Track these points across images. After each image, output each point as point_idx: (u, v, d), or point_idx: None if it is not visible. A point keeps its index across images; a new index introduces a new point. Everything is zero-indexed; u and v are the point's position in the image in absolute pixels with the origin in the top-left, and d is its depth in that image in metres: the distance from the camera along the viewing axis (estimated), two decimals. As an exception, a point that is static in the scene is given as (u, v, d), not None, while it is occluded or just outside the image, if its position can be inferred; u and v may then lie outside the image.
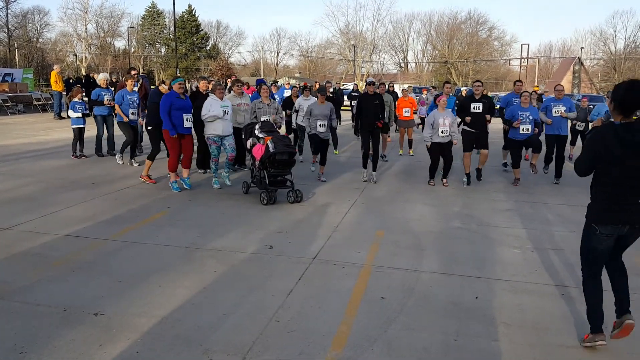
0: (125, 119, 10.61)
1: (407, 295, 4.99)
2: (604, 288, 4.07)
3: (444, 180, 10.22)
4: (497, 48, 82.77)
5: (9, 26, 62.64)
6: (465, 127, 10.32)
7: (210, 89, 9.94)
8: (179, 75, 10.47)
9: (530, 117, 10.14)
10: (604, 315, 4.03)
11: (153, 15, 78.94)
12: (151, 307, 4.55)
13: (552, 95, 11.66)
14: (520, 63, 78.03)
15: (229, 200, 8.48)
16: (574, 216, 8.17)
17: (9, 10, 61.51)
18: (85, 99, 13.35)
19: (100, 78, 12.06)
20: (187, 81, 10.59)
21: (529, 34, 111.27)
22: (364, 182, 10.27)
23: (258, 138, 8.34)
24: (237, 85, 10.43)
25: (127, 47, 71.81)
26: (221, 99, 9.05)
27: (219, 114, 8.88)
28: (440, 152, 10.05)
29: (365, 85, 10.59)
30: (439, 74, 79.95)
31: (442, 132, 9.83)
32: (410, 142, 14.20)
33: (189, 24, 77.18)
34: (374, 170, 10.33)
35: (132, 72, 13.03)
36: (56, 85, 19.23)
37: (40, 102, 22.78)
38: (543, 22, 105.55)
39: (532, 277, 5.57)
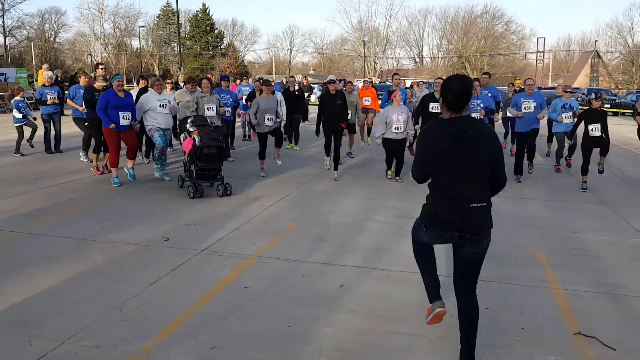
0: (80, 108, 10.74)
1: (273, 285, 5.02)
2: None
3: (398, 179, 10.11)
4: (515, 42, 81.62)
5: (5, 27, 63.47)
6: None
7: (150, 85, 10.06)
8: (119, 73, 10.51)
9: (481, 105, 10.05)
10: (440, 284, 3.68)
11: (168, 14, 79.62)
12: (9, 294, 4.65)
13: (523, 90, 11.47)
14: (537, 57, 76.90)
15: (160, 194, 8.58)
16: (499, 209, 8.09)
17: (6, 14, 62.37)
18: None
19: (44, 77, 12.27)
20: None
21: (547, 27, 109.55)
22: (308, 176, 10.30)
23: (189, 132, 8.43)
24: (191, 84, 10.57)
25: (139, 46, 72.63)
26: (159, 93, 9.17)
27: (155, 108, 9.02)
28: (394, 147, 9.94)
29: (327, 83, 10.53)
30: (454, 69, 79.33)
31: (395, 128, 9.72)
32: (369, 130, 13.97)
33: (203, 23, 77.63)
34: (336, 169, 10.11)
35: (100, 67, 13.22)
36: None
37: (32, 101, 23.11)
38: (562, 15, 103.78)
39: (411, 266, 5.50)
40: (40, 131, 12.31)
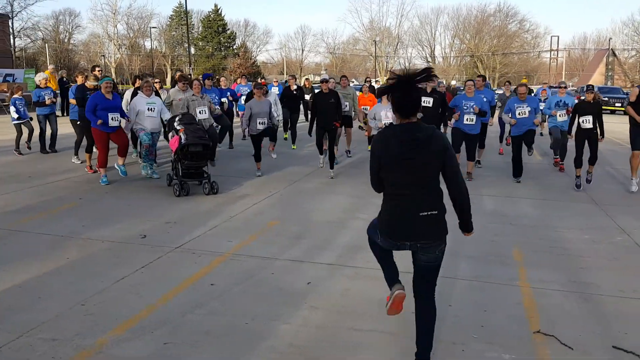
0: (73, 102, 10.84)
1: (240, 282, 5.05)
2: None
3: None
4: (529, 41, 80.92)
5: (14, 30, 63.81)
6: None
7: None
8: (107, 75, 10.64)
9: (474, 106, 9.92)
10: (398, 270, 3.69)
11: (180, 15, 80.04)
12: (-21, 290, 4.73)
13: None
14: (550, 55, 76.21)
15: (147, 192, 8.66)
16: (486, 206, 8.07)
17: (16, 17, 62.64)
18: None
19: (39, 78, 12.41)
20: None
21: (563, 25, 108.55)
22: (300, 174, 10.32)
23: (176, 131, 8.49)
24: (183, 83, 10.66)
25: (151, 47, 73.25)
26: (148, 96, 9.26)
27: (143, 111, 9.12)
28: None
29: (320, 82, 10.52)
30: (467, 69, 78.88)
31: (385, 125, 9.69)
32: (369, 139, 13.87)
33: (215, 24, 78.03)
34: (331, 168, 10.11)
35: (97, 69, 13.37)
36: (49, 84, 19.77)
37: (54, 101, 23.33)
38: (577, 13, 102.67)
39: (382, 265, 5.54)
40: (36, 132, 12.45)
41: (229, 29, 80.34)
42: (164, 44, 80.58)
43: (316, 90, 24.31)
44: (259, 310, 4.47)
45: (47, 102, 11.96)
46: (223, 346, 3.88)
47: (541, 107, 12.49)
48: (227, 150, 13.25)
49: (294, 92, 13.46)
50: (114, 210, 7.54)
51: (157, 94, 10.53)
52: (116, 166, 9.26)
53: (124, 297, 4.66)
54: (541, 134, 16.98)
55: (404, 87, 3.27)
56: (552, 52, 75.68)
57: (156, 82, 11.85)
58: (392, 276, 3.69)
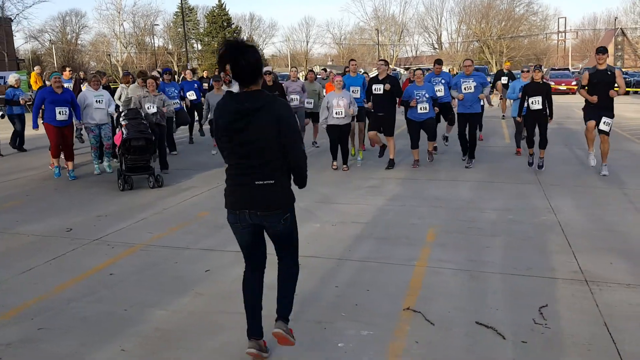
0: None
1: (140, 272, 5.20)
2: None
3: (344, 167, 10.02)
4: (537, 23, 79.78)
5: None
6: (372, 110, 10.23)
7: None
8: (56, 70, 11.07)
9: (427, 95, 9.92)
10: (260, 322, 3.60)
11: (185, 11, 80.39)
12: None
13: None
14: (558, 37, 75.22)
15: (95, 187, 8.88)
16: (425, 191, 8.15)
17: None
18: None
19: (11, 79, 12.74)
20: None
21: (572, 6, 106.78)
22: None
23: (121, 126, 8.69)
24: (142, 79, 10.85)
25: (153, 44, 73.78)
26: (96, 89, 9.52)
27: (91, 104, 9.38)
28: (338, 134, 9.90)
29: (264, 74, 10.60)
30: (473, 54, 78.12)
31: (336, 113, 9.69)
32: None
33: (219, 19, 78.26)
34: None
35: (67, 69, 13.65)
36: (36, 85, 20.18)
37: (29, 103, 23.78)
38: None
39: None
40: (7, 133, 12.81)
41: (233, 24, 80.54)
42: (170, 40, 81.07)
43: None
44: (143, 298, 4.61)
45: (21, 102, 12.29)
46: (92, 331, 4.04)
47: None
48: (187, 145, 13.49)
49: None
50: (55, 205, 7.76)
51: (108, 88, 10.83)
52: (67, 173, 9.54)
53: (23, 287, 4.85)
54: (503, 117, 17.09)
55: (235, 52, 3.14)
56: (560, 34, 74.75)
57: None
58: (251, 326, 3.59)
